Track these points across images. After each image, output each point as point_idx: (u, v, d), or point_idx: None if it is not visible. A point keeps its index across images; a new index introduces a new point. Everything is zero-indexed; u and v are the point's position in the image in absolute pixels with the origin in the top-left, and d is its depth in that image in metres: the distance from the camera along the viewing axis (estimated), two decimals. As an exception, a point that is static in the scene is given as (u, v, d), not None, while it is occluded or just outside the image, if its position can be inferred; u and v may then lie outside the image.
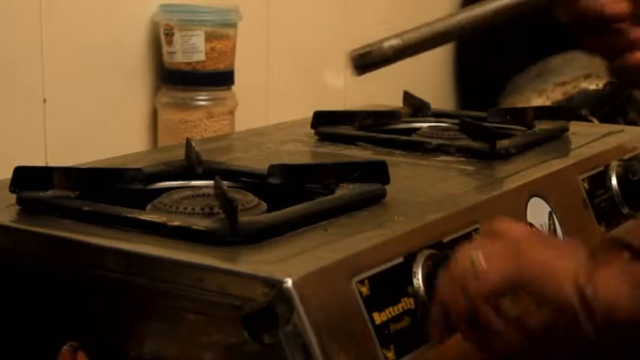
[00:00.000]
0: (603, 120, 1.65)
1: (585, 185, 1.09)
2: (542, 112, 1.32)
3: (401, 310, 0.75)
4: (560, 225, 1.01)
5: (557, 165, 1.09)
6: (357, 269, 0.74)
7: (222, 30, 1.27)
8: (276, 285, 0.68)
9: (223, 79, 1.29)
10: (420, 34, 0.66)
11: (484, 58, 1.91)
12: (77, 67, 1.20)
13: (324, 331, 0.68)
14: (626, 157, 1.18)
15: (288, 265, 0.71)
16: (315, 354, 0.67)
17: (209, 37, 1.25)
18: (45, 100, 1.16)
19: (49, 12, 1.15)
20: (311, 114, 1.26)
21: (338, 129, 1.24)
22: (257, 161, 1.05)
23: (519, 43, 1.87)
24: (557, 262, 0.69)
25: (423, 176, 1.03)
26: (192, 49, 1.25)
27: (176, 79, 1.27)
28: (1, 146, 1.11)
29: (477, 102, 1.76)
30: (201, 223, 0.78)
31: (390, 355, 0.73)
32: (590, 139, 1.24)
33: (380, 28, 1.71)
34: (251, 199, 0.87)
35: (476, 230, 0.87)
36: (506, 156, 1.11)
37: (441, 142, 1.15)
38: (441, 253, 0.80)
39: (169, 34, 1.25)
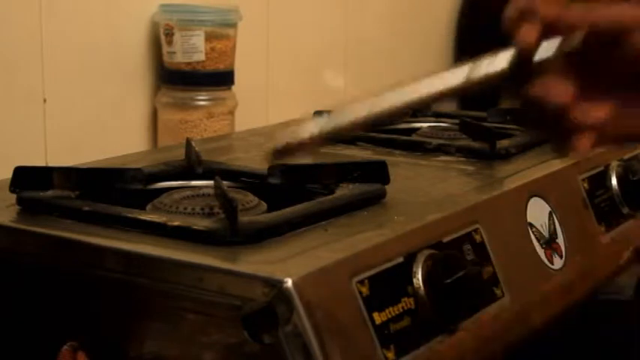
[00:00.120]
0: (603, 120, 1.64)
1: (585, 185, 1.09)
2: (542, 112, 1.31)
3: (401, 310, 0.75)
4: (560, 225, 1.01)
5: (557, 165, 1.09)
6: (357, 269, 0.74)
7: (222, 30, 1.27)
8: (276, 285, 0.68)
9: (223, 79, 1.29)
10: (349, 118, 0.61)
11: (484, 58, 1.90)
12: (77, 67, 1.20)
13: (324, 331, 0.68)
14: (626, 157, 1.18)
15: (288, 265, 0.71)
16: (315, 354, 0.67)
17: (209, 37, 1.25)
18: (45, 100, 1.16)
19: (49, 12, 1.15)
20: (311, 114, 1.26)
21: (338, 129, 1.24)
22: (257, 161, 1.05)
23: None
24: None
25: (423, 176, 1.03)
26: (192, 49, 1.25)
27: (176, 79, 1.27)
28: (1, 146, 1.11)
29: (477, 102, 1.76)
30: (201, 223, 0.78)
31: (390, 355, 0.73)
32: (590, 139, 1.23)
33: (380, 28, 1.71)
34: (251, 199, 0.87)
35: (476, 230, 0.87)
36: (506, 156, 1.11)
37: (441, 142, 1.15)
38: (441, 253, 0.80)
39: (169, 34, 1.25)
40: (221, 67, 1.27)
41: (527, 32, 0.67)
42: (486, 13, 1.94)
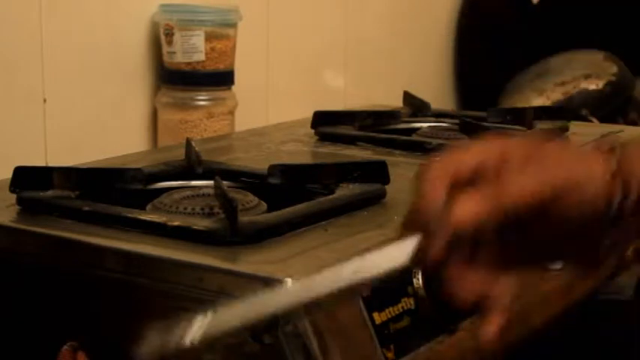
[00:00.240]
0: (603, 120, 1.65)
1: (585, 185, 1.09)
2: (542, 112, 1.32)
3: (401, 310, 0.75)
4: (560, 225, 1.00)
5: (557, 165, 1.09)
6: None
7: (222, 30, 1.27)
8: (276, 285, 0.68)
9: (223, 79, 1.29)
10: (235, 321, 0.54)
11: (484, 58, 1.91)
12: (77, 67, 1.20)
13: (324, 331, 0.68)
14: (626, 157, 1.18)
15: (288, 265, 0.71)
16: (315, 354, 0.67)
17: (209, 37, 1.25)
18: (45, 100, 1.16)
19: (49, 12, 1.15)
20: (311, 114, 1.26)
21: (338, 129, 1.24)
22: (257, 161, 1.05)
23: (519, 43, 1.87)
24: (579, 162, 0.63)
25: (423, 176, 1.03)
26: (192, 49, 1.25)
27: (176, 79, 1.27)
28: (1, 146, 1.11)
29: (477, 102, 1.76)
30: (201, 223, 0.78)
31: (390, 355, 0.73)
32: (590, 139, 1.24)
33: (380, 28, 1.71)
34: (251, 199, 0.87)
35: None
36: (506, 156, 1.11)
37: (441, 142, 1.15)
38: (441, 253, 0.80)
39: (169, 34, 1.25)
40: (221, 67, 1.27)
41: (435, 251, 0.61)
42: (486, 13, 1.95)
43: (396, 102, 1.48)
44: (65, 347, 0.76)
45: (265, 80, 1.48)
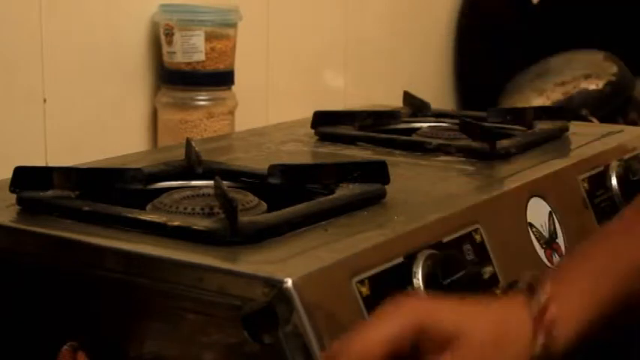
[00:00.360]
0: (603, 120, 1.65)
1: (585, 185, 1.09)
2: (542, 112, 1.32)
3: (401, 310, 0.75)
4: (560, 225, 1.01)
5: (557, 165, 1.09)
6: (357, 269, 0.74)
7: (222, 30, 1.27)
8: (276, 285, 0.68)
9: (223, 79, 1.29)
10: None
11: (484, 58, 1.91)
12: (77, 67, 1.20)
13: (324, 331, 0.68)
14: (626, 157, 1.18)
15: (288, 265, 0.71)
16: (315, 354, 0.67)
17: (209, 37, 1.25)
18: (45, 100, 1.16)
19: (49, 12, 1.15)
20: (311, 114, 1.26)
21: (338, 129, 1.24)
22: (257, 161, 1.05)
23: (519, 43, 1.87)
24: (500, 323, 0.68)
25: (423, 176, 1.03)
26: (192, 49, 1.25)
27: (176, 79, 1.27)
28: (1, 146, 1.11)
29: (477, 102, 1.76)
30: (201, 223, 0.78)
31: (390, 355, 0.73)
32: (590, 139, 1.24)
33: (380, 28, 1.71)
34: (251, 199, 0.87)
35: (476, 230, 0.87)
36: (506, 156, 1.11)
37: (441, 142, 1.15)
38: (441, 253, 0.80)
39: (169, 34, 1.25)
40: (221, 67, 1.27)
41: None
42: (486, 13, 1.95)
43: (396, 102, 1.48)
44: (65, 347, 0.76)
45: (265, 80, 1.48)
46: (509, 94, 1.80)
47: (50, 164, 1.13)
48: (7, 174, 0.88)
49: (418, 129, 1.28)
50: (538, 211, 0.98)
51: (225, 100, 1.29)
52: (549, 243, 0.98)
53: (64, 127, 1.19)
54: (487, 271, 0.87)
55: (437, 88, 1.87)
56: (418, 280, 0.77)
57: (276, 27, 1.48)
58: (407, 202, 0.91)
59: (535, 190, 1.00)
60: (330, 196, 0.88)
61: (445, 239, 0.84)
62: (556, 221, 1.00)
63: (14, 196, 0.87)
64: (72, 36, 1.19)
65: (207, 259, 0.73)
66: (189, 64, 1.25)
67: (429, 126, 1.29)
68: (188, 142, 1.01)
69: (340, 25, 1.62)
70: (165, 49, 1.26)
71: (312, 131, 1.25)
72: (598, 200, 1.10)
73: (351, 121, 1.27)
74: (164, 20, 1.25)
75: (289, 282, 0.68)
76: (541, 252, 0.96)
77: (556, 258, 0.97)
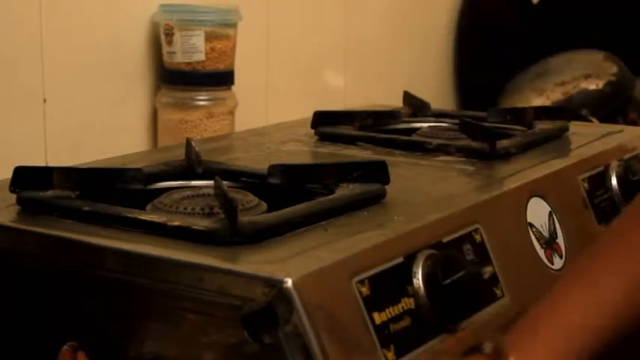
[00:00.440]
0: (603, 120, 1.65)
1: (585, 185, 1.09)
2: (542, 112, 1.32)
3: (401, 310, 0.75)
4: (560, 225, 1.01)
5: (557, 165, 1.09)
6: (357, 269, 0.74)
7: (222, 30, 1.27)
8: (276, 285, 0.68)
9: (223, 79, 1.29)
10: None
11: (484, 58, 1.91)
12: (77, 67, 1.20)
13: (324, 331, 0.68)
14: (626, 157, 1.18)
15: (288, 265, 0.71)
16: (315, 354, 0.67)
17: (209, 37, 1.25)
18: (45, 100, 1.16)
19: (49, 12, 1.15)
20: (311, 114, 1.26)
21: (338, 129, 1.24)
22: (257, 161, 1.05)
23: (519, 43, 1.87)
24: None
25: (423, 176, 1.03)
26: (192, 49, 1.25)
27: (176, 79, 1.27)
28: (1, 146, 1.11)
29: (477, 102, 1.76)
30: (201, 223, 0.78)
31: (390, 355, 0.73)
32: (590, 139, 1.24)
33: (380, 28, 1.71)
34: (251, 199, 0.87)
35: (476, 230, 0.88)
36: (506, 156, 1.11)
37: (441, 142, 1.15)
38: (441, 253, 0.80)
39: (169, 34, 1.25)
40: (221, 67, 1.27)
41: None
42: (486, 13, 1.95)
43: (396, 102, 1.48)
44: (65, 347, 0.76)
45: (265, 80, 1.48)
46: (509, 94, 1.80)
47: (50, 164, 1.13)
48: (7, 174, 0.88)
49: (418, 129, 1.28)
50: (538, 211, 0.98)
51: (225, 100, 1.29)
52: (549, 243, 0.98)
53: (64, 127, 1.19)
54: (487, 271, 0.87)
55: (437, 88, 1.87)
56: (418, 280, 0.77)
57: (276, 27, 1.48)
58: (407, 202, 0.91)
59: (535, 190, 1.00)
60: (330, 196, 0.88)
61: (445, 239, 0.84)
62: (556, 221, 1.00)
63: (14, 196, 0.87)
64: (72, 36, 1.19)
65: (207, 259, 0.73)
66: (189, 64, 1.25)
67: (429, 126, 1.29)
68: (188, 142, 1.01)
69: (340, 25, 1.62)
70: (165, 49, 1.26)
71: (312, 131, 1.25)
72: (598, 200, 1.10)
73: (351, 121, 1.27)
74: (164, 20, 1.26)
75: (289, 282, 0.68)
76: (541, 252, 0.96)
77: (556, 258, 0.97)
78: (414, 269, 0.78)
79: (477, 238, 0.87)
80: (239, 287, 0.69)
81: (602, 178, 1.13)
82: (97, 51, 1.22)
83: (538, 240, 0.96)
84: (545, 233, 0.98)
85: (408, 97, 1.45)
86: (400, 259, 0.77)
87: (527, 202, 0.98)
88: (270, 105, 1.49)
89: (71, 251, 0.79)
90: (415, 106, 1.42)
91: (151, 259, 0.75)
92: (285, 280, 0.68)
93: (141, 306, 0.76)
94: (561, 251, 0.99)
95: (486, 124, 1.25)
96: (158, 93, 1.29)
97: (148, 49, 1.29)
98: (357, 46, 1.66)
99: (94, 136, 1.22)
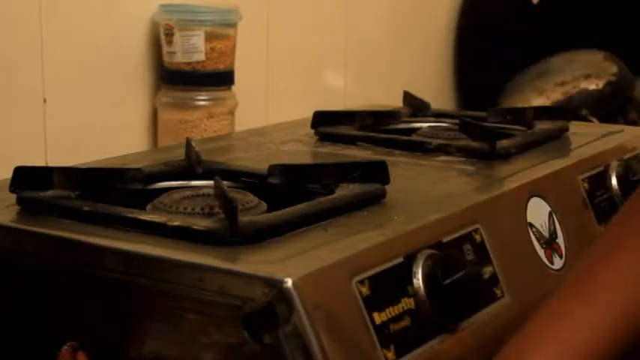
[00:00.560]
0: (603, 120, 1.65)
1: (585, 185, 1.09)
2: (542, 112, 1.32)
3: (401, 310, 0.75)
4: (560, 225, 1.01)
5: (557, 165, 1.09)
6: (357, 269, 0.74)
7: (222, 30, 1.27)
8: (276, 285, 0.68)
9: (223, 79, 1.29)
10: None
11: (484, 58, 1.91)
12: (77, 67, 1.20)
13: (324, 331, 0.68)
14: (626, 157, 1.18)
15: (288, 265, 0.71)
16: (315, 354, 0.67)
17: (209, 37, 1.25)
18: (45, 100, 1.16)
19: (49, 12, 1.15)
20: (311, 114, 1.26)
21: (338, 129, 1.24)
22: (257, 161, 1.05)
23: (519, 43, 1.87)
24: None
25: (423, 176, 1.03)
26: (192, 49, 1.25)
27: (176, 79, 1.27)
28: (1, 146, 1.11)
29: (477, 102, 1.76)
30: (201, 223, 0.78)
31: (390, 355, 0.73)
32: (590, 139, 1.24)
33: (380, 28, 1.71)
34: (251, 199, 0.87)
35: (476, 230, 0.88)
36: (506, 156, 1.11)
37: (441, 142, 1.15)
38: (441, 253, 0.80)
39: (169, 34, 1.25)
40: (221, 67, 1.27)
41: None
42: (486, 13, 1.95)
43: (396, 102, 1.48)
44: (65, 347, 0.76)
45: (265, 80, 1.48)
46: (509, 94, 1.80)
47: (50, 164, 1.13)
48: (7, 174, 0.88)
49: (418, 129, 1.28)
50: (538, 211, 0.98)
51: (225, 100, 1.29)
52: (549, 243, 0.98)
53: (64, 127, 1.19)
54: (487, 271, 0.87)
55: (437, 88, 1.87)
56: (418, 280, 0.77)
57: (276, 27, 1.48)
58: (407, 202, 0.91)
59: (535, 190, 1.00)
60: (330, 196, 0.88)
61: (445, 239, 0.84)
62: (556, 221, 1.00)
63: (14, 196, 0.87)
64: (72, 36, 1.19)
65: (207, 259, 0.73)
66: (189, 64, 1.25)
67: (429, 126, 1.29)
68: (188, 142, 1.01)
69: (340, 25, 1.62)
70: (165, 49, 1.26)
71: (312, 131, 1.25)
72: (598, 200, 1.10)
73: (351, 121, 1.27)
74: (164, 20, 1.26)
75: (289, 282, 0.68)
76: (541, 252, 0.96)
77: (556, 258, 0.97)
78: (414, 269, 0.78)
79: (477, 238, 0.87)
80: (239, 287, 0.69)
81: (602, 178, 1.13)
82: (97, 51, 1.22)
83: (538, 240, 0.96)
84: (545, 233, 0.98)
85: (408, 97, 1.45)
86: (400, 259, 0.77)
87: (527, 202, 0.98)
88: (270, 105, 1.49)
89: (71, 251, 0.79)
90: (415, 106, 1.42)
91: (151, 259, 0.75)
92: (285, 280, 0.68)
93: (141, 306, 0.76)
94: (561, 251, 0.99)
95: (486, 124, 1.25)
96: (158, 93, 1.29)
97: (148, 49, 1.29)
98: (357, 46, 1.66)
99: (94, 136, 1.22)
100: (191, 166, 0.99)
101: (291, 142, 1.21)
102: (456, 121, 1.23)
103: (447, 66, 1.92)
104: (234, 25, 1.29)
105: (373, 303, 0.73)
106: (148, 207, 0.86)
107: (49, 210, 0.85)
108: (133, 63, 1.27)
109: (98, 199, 0.87)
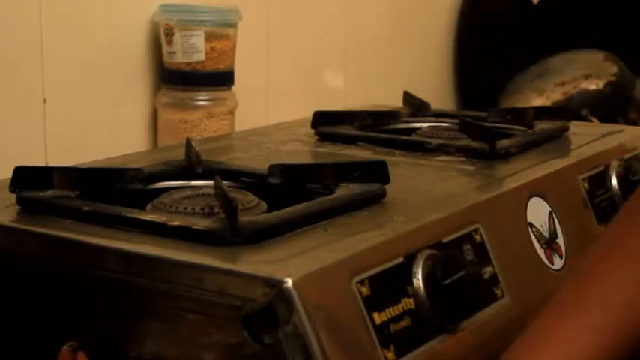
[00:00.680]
0: (603, 120, 1.65)
1: (585, 185, 1.09)
2: (542, 112, 1.32)
3: (401, 310, 0.75)
4: (560, 225, 1.01)
5: (557, 165, 1.09)
6: (357, 269, 0.74)
7: (222, 30, 1.27)
8: (276, 285, 0.68)
9: (223, 79, 1.29)
10: None
11: (484, 58, 1.91)
12: (77, 67, 1.20)
13: (324, 331, 0.68)
14: (626, 157, 1.18)
15: (288, 265, 0.71)
16: (315, 354, 0.67)
17: (209, 37, 1.25)
18: (45, 100, 1.16)
19: (49, 12, 1.15)
20: (311, 114, 1.26)
21: (338, 129, 1.24)
22: (257, 161, 1.05)
23: (519, 43, 1.87)
24: None
25: (423, 176, 1.03)
26: (192, 49, 1.25)
27: (176, 79, 1.27)
28: (1, 146, 1.11)
29: (477, 102, 1.76)
30: (201, 223, 0.78)
31: (390, 355, 0.73)
32: (590, 139, 1.24)
33: (380, 28, 1.71)
34: (251, 199, 0.87)
35: (476, 230, 0.87)
36: (506, 156, 1.11)
37: (441, 142, 1.15)
38: (441, 253, 0.80)
39: (169, 34, 1.25)
40: (221, 67, 1.27)
41: None
42: (486, 13, 1.95)
43: (396, 102, 1.48)
44: (65, 347, 0.76)
45: (265, 80, 1.48)
46: (509, 94, 1.80)
47: (50, 164, 1.13)
48: (7, 174, 0.88)
49: (418, 129, 1.28)
50: (538, 211, 0.98)
51: (225, 100, 1.29)
52: (549, 243, 0.98)
53: (64, 127, 1.19)
54: (487, 271, 0.87)
55: (437, 88, 1.87)
56: (418, 280, 0.77)
57: (276, 27, 1.48)
58: (407, 202, 0.91)
59: (535, 190, 1.00)
60: (330, 196, 0.88)
61: (445, 239, 0.84)
62: (556, 221, 1.00)
63: (14, 196, 0.87)
64: (72, 36, 1.19)
65: (207, 259, 0.73)
66: (189, 64, 1.25)
67: (429, 126, 1.29)
68: (188, 142, 1.01)
69: (340, 25, 1.62)
70: (165, 49, 1.26)
71: (312, 131, 1.25)
72: (598, 200, 1.10)
73: (351, 121, 1.27)
74: (164, 20, 1.26)
75: (289, 282, 0.68)
76: (541, 252, 0.96)
77: (556, 258, 0.97)
78: (414, 269, 0.78)
79: (477, 238, 0.87)
80: (239, 287, 0.69)
81: (602, 178, 1.13)
82: (97, 51, 1.22)
83: (538, 240, 0.96)
84: (545, 233, 0.98)
85: (408, 97, 1.45)
86: (400, 259, 0.77)
87: (527, 202, 0.98)
88: (270, 105, 1.49)
89: (71, 251, 0.79)
90: (415, 106, 1.42)
91: (151, 259, 0.75)
92: (285, 280, 0.68)
93: (141, 306, 0.76)
94: (561, 251, 0.99)
95: (486, 124, 1.24)
96: (158, 93, 1.29)
97: (148, 49, 1.29)
98: (357, 46, 1.66)
99: (94, 136, 1.22)
100: (191, 166, 0.99)
101: (291, 142, 1.21)
102: (456, 121, 1.23)
103: (447, 66, 1.92)
104: (234, 25, 1.29)
105: (373, 303, 0.73)
106: (148, 207, 0.86)
107: (49, 210, 0.85)
108: (133, 63, 1.27)
109: (98, 199, 0.87)
